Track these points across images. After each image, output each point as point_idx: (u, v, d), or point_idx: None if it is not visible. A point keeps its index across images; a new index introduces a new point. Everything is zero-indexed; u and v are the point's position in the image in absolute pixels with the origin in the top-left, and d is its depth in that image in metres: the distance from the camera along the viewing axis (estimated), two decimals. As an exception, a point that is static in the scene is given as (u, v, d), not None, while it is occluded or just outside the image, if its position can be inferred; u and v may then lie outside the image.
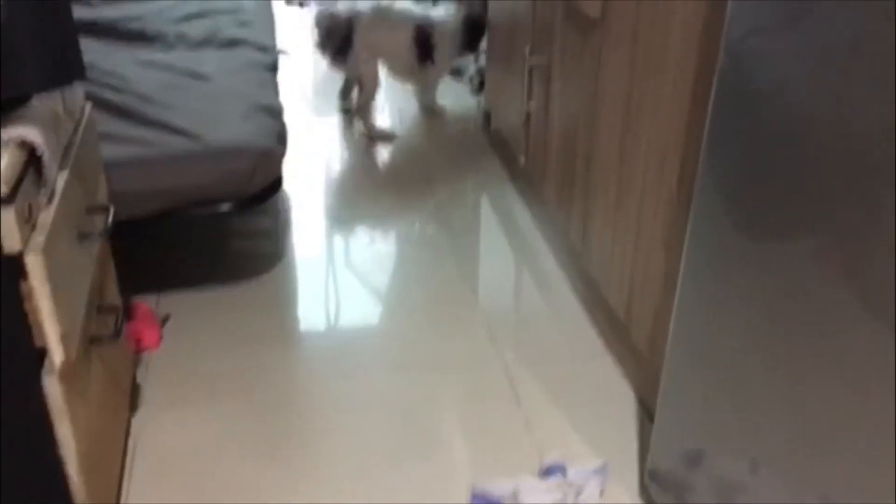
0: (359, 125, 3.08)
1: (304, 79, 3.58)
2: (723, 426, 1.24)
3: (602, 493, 1.54)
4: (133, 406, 1.76)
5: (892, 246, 0.85)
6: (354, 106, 3.10)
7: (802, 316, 1.03)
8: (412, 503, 1.54)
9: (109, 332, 1.44)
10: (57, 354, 1.17)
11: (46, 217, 1.19)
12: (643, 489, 1.55)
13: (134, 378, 1.82)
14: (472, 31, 2.98)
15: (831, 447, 0.98)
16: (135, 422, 1.73)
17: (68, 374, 1.21)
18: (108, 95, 2.02)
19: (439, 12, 3.04)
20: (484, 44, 2.97)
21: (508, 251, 2.38)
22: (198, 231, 2.43)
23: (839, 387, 0.96)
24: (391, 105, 3.31)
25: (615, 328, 1.90)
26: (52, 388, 1.18)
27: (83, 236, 1.35)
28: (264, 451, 1.66)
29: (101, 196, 1.57)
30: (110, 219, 1.44)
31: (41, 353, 1.18)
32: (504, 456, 1.65)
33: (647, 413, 1.73)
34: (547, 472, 1.57)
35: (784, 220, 1.05)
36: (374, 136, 3.03)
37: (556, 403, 1.78)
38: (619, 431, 1.71)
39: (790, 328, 1.05)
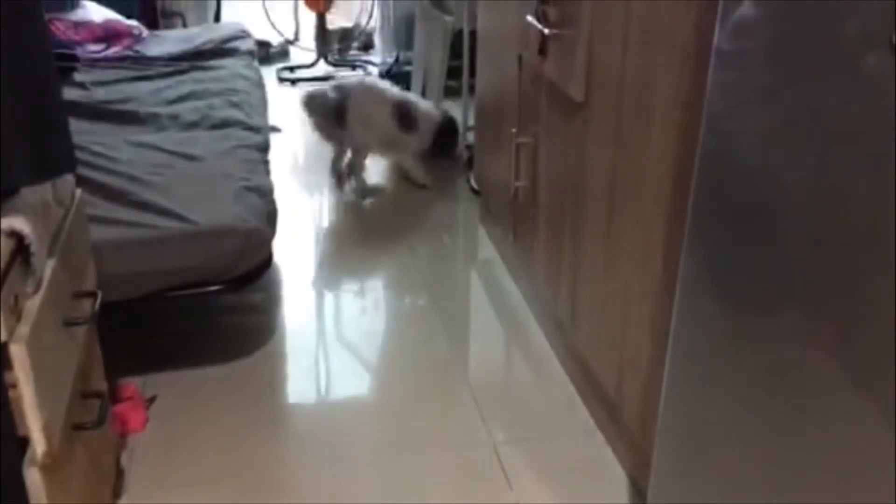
0: (350, 184, 3.20)
1: (294, 154, 3.63)
2: (715, 511, 1.23)
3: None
4: (117, 492, 1.72)
5: (880, 323, 0.86)
6: (346, 169, 3.23)
7: (792, 394, 1.02)
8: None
9: (93, 418, 1.42)
10: (39, 444, 1.15)
11: (32, 306, 1.19)
12: (637, 574, 1.52)
13: (118, 462, 1.79)
14: (445, 134, 3.26)
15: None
16: (118, 508, 1.69)
17: (50, 465, 1.19)
18: (99, 176, 2.04)
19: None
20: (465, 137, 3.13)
21: (498, 326, 2.38)
22: (186, 308, 2.42)
23: (831, 465, 0.96)
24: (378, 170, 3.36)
25: (605, 406, 1.88)
26: (34, 479, 1.16)
27: (69, 322, 1.34)
28: (250, 538, 1.62)
29: (89, 280, 1.57)
30: (97, 304, 1.44)
31: (23, 443, 1.17)
32: (495, 541, 1.62)
33: (638, 493, 1.71)
34: None
35: (770, 298, 1.06)
36: (365, 193, 3.18)
37: (547, 484, 1.76)
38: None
39: (779, 406, 1.05)
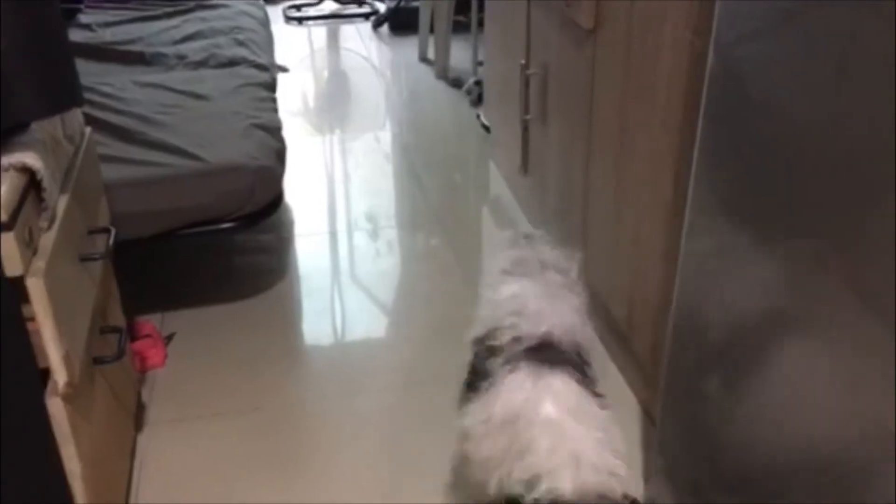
0: None
1: (304, 94, 3.61)
2: (724, 430, 1.24)
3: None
4: (138, 425, 1.77)
5: (889, 247, 0.86)
6: None
7: (800, 321, 1.03)
8: (417, 516, 1.54)
9: (113, 352, 1.45)
10: (60, 376, 1.18)
11: (47, 240, 1.20)
12: (648, 495, 1.55)
13: (139, 397, 1.83)
14: None
15: (833, 445, 0.98)
16: (140, 440, 1.73)
17: (72, 395, 1.22)
18: (108, 117, 2.04)
19: None
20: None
21: (510, 262, 2.38)
22: (201, 249, 2.44)
23: (837, 388, 0.96)
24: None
25: (617, 338, 1.90)
26: (57, 409, 1.19)
27: (85, 258, 1.36)
28: (270, 468, 1.66)
29: (103, 218, 1.58)
30: (111, 240, 1.45)
31: (44, 375, 1.20)
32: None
33: (650, 420, 1.73)
34: None
35: (779, 225, 1.05)
36: None
37: (559, 413, 1.78)
38: (623, 438, 1.70)
39: (788, 333, 1.06)
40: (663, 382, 1.45)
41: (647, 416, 1.76)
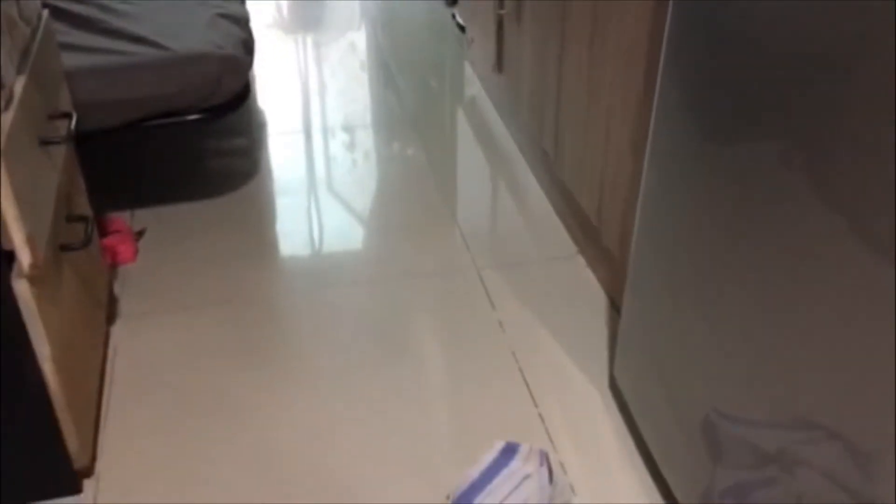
0: None
1: (278, 5, 3.51)
2: (685, 320, 1.27)
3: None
4: (111, 317, 1.77)
5: (854, 147, 0.86)
6: None
7: (765, 217, 1.04)
8: (386, 406, 1.58)
9: (80, 239, 1.44)
10: (24, 257, 1.17)
11: (5, 120, 1.18)
12: (612, 385, 1.59)
13: (111, 291, 1.83)
14: None
15: (794, 341, 1.01)
16: (113, 332, 1.75)
17: (38, 278, 1.21)
18: (68, 6, 1.97)
19: None
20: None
21: (484, 163, 2.38)
22: (172, 150, 2.41)
23: (802, 285, 0.98)
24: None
25: (587, 232, 1.92)
26: (23, 290, 1.19)
27: (45, 142, 1.34)
28: (243, 358, 1.69)
29: (64, 103, 1.54)
30: (73, 124, 1.42)
31: (10, 258, 1.19)
32: (478, 357, 1.68)
33: (617, 311, 1.77)
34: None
35: (746, 123, 1.05)
36: None
37: (529, 305, 1.81)
38: (590, 330, 1.74)
39: (752, 229, 1.07)
40: (630, 273, 1.47)
41: (614, 306, 1.80)
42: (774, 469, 1.05)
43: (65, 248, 1.41)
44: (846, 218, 0.89)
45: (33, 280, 1.20)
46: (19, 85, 1.27)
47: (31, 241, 1.18)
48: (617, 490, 1.39)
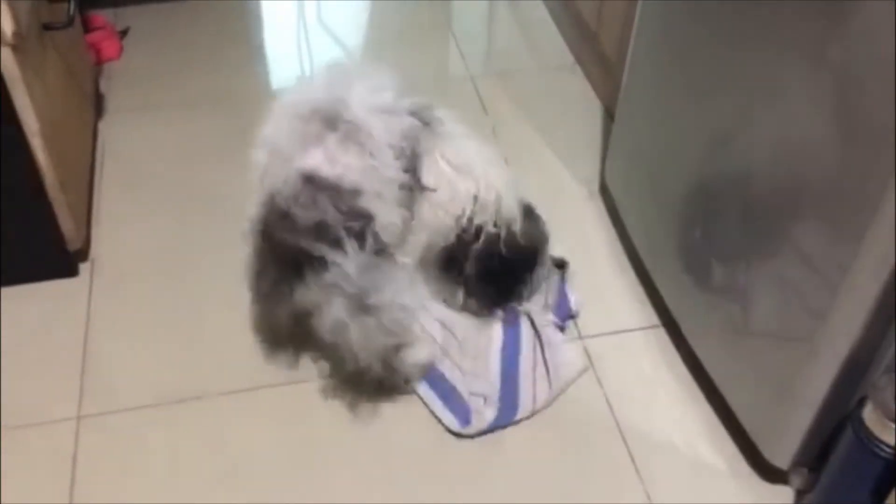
0: None
1: None
2: (677, 124, 1.26)
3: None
4: (98, 111, 1.75)
5: None
6: None
7: (760, 20, 1.00)
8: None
9: (62, 19, 1.39)
10: (6, 24, 1.13)
11: None
12: (603, 189, 1.60)
13: (97, 86, 1.79)
14: None
15: (779, 140, 1.00)
16: (101, 126, 1.72)
17: (22, 49, 1.18)
18: None
19: None
20: None
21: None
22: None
23: (793, 72, 0.96)
24: None
25: (585, 38, 1.87)
26: (6, 58, 1.16)
27: None
28: (229, 153, 1.64)
29: None
30: None
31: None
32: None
33: (611, 120, 1.75)
34: None
35: None
36: None
37: (523, 113, 1.79)
38: (583, 138, 1.73)
39: (748, 28, 1.03)
40: (626, 75, 1.44)
41: (609, 115, 1.78)
42: (754, 261, 1.08)
43: (48, 27, 1.36)
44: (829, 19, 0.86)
45: (16, 49, 1.17)
46: None
47: (11, 8, 1.14)
48: (604, 289, 1.43)
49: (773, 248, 1.03)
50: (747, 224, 1.09)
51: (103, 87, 1.82)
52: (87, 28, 1.89)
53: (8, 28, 1.15)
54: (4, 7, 1.14)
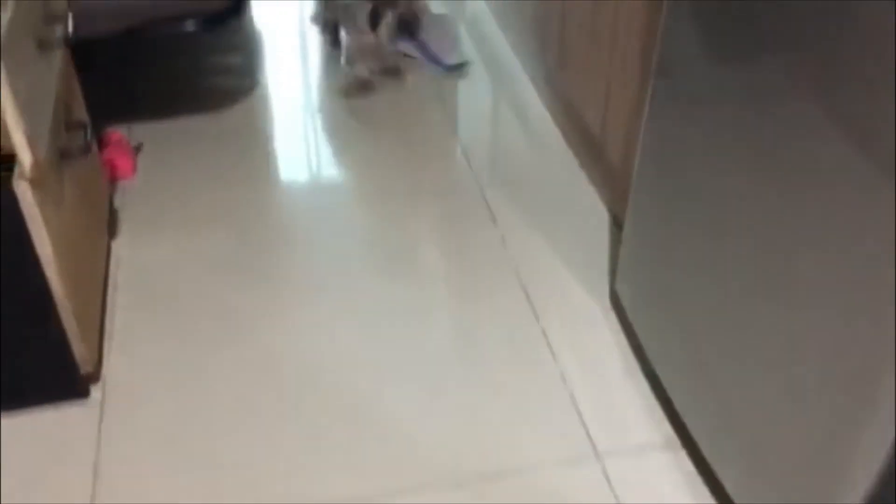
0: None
1: None
2: (688, 233, 1.27)
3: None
4: (112, 231, 1.77)
5: (862, 58, 0.84)
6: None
7: (770, 128, 1.03)
8: (389, 319, 1.59)
9: (79, 145, 1.42)
10: (25, 156, 1.16)
11: (3, 15, 1.15)
12: (613, 300, 1.60)
13: (111, 204, 1.82)
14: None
15: (796, 247, 1.01)
16: (115, 246, 1.74)
17: (40, 181, 1.21)
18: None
19: None
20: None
21: (487, 79, 2.34)
22: (170, 63, 2.36)
23: (805, 198, 0.97)
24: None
25: (590, 147, 1.90)
26: (24, 192, 1.18)
27: (43, 44, 1.31)
28: (243, 271, 1.69)
29: (59, 8, 1.51)
30: (69, 26, 1.39)
31: (10, 162, 1.18)
32: (480, 273, 1.69)
33: (619, 227, 1.76)
34: None
35: (754, 34, 1.03)
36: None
37: (531, 221, 1.81)
38: (591, 246, 1.74)
39: (757, 141, 1.06)
40: (633, 187, 1.46)
41: (616, 222, 1.79)
42: (774, 379, 1.07)
43: (65, 154, 1.39)
44: (852, 141, 0.88)
45: (34, 183, 1.19)
46: (14, -16, 1.23)
47: (31, 142, 1.17)
48: (618, 404, 1.41)
49: (796, 363, 1.02)
50: (767, 338, 1.08)
51: (117, 204, 1.85)
52: (102, 144, 1.93)
53: (27, 161, 1.17)
54: (23, 141, 1.17)
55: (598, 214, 1.83)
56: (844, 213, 0.91)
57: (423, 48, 2.29)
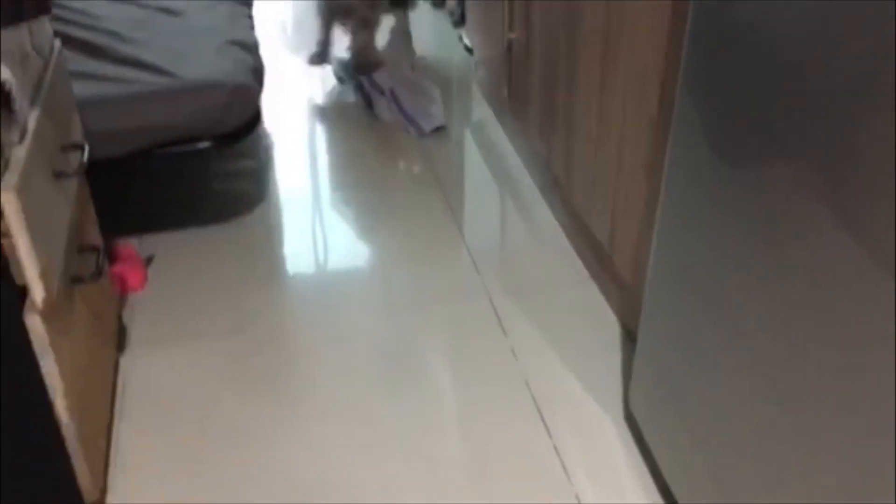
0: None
1: (281, 16, 3.51)
2: (703, 348, 1.26)
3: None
4: (120, 346, 1.76)
5: (871, 169, 0.85)
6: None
7: (782, 240, 1.03)
8: (399, 434, 1.56)
9: (91, 271, 1.43)
10: (38, 292, 1.16)
11: (19, 155, 1.17)
12: (627, 413, 1.58)
13: (120, 319, 1.82)
14: None
15: (813, 361, 1.00)
16: (123, 361, 1.73)
17: (51, 313, 1.20)
18: (79, 33, 1.97)
19: None
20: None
21: (493, 186, 2.37)
22: (180, 172, 2.40)
23: (824, 314, 0.97)
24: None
25: (599, 257, 1.90)
26: (35, 325, 1.18)
27: (58, 175, 1.33)
28: (253, 386, 1.67)
29: (76, 135, 1.54)
30: (85, 156, 1.42)
31: (22, 292, 1.18)
32: (491, 385, 1.67)
33: (631, 339, 1.75)
34: None
35: (763, 144, 1.04)
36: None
37: (541, 332, 1.80)
38: (603, 358, 1.73)
39: (770, 253, 1.06)
40: (646, 301, 1.45)
41: (627, 334, 1.78)
42: (795, 496, 1.04)
43: (76, 280, 1.40)
44: (870, 246, 0.87)
45: (46, 315, 1.19)
46: (33, 118, 1.26)
47: (44, 275, 1.18)
48: (634, 523, 1.38)
49: (816, 477, 0.99)
50: (788, 453, 1.05)
51: (126, 318, 1.85)
52: (112, 258, 1.94)
53: (39, 296, 1.18)
54: (35, 275, 1.17)
55: (609, 326, 1.82)
56: (864, 324, 0.90)
57: (403, 111, 2.61)
